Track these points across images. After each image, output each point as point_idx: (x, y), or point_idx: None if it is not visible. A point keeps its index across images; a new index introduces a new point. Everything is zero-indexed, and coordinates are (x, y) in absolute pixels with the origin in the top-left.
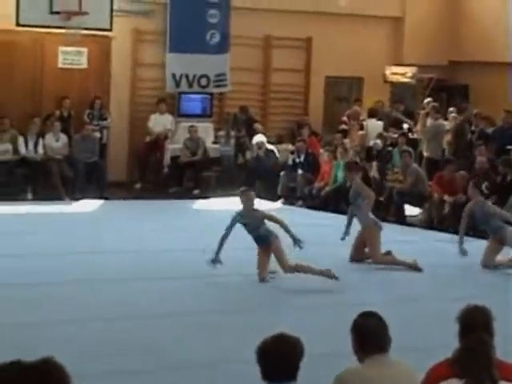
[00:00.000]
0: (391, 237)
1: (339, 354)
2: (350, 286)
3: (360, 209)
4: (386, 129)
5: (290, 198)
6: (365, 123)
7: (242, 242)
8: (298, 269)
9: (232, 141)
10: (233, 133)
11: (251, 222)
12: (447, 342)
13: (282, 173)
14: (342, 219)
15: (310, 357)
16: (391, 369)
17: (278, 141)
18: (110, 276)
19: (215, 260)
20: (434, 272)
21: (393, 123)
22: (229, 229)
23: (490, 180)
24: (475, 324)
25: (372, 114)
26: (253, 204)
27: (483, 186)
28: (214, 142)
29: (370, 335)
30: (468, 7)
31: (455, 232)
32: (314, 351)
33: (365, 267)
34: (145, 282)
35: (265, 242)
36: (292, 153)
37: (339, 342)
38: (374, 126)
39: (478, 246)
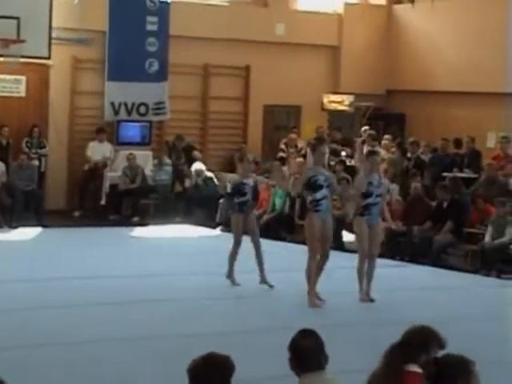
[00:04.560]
0: (331, 262)
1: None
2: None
3: None
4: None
5: (229, 226)
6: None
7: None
8: None
9: (166, 168)
10: (168, 160)
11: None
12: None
13: (220, 200)
14: (282, 246)
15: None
16: None
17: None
18: (46, 303)
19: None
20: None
21: (331, 152)
22: None
23: (423, 206)
24: (414, 344)
25: (320, 141)
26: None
27: None
28: (153, 170)
29: (305, 353)
30: (405, 37)
31: (392, 257)
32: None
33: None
34: (84, 309)
35: None
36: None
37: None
38: None
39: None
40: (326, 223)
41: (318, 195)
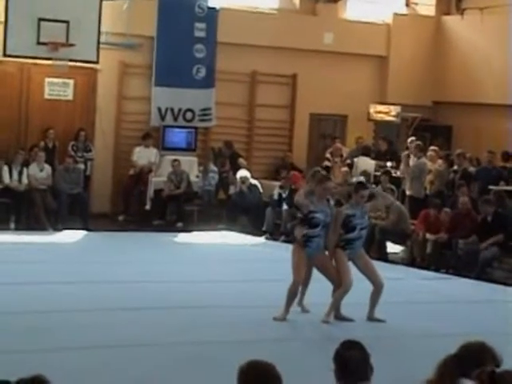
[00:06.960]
0: None
1: None
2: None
3: None
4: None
5: (274, 234)
6: (355, 160)
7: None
8: None
9: (211, 175)
10: (213, 167)
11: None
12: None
13: (268, 208)
14: None
15: None
16: None
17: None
18: (89, 306)
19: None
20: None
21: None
22: None
23: (470, 219)
24: (469, 358)
25: (365, 152)
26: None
27: None
28: (198, 176)
29: (350, 365)
30: (453, 48)
31: (437, 270)
32: None
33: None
34: (125, 312)
35: None
36: (281, 187)
37: None
38: (366, 164)
39: (458, 284)
40: (319, 259)
41: (312, 232)
